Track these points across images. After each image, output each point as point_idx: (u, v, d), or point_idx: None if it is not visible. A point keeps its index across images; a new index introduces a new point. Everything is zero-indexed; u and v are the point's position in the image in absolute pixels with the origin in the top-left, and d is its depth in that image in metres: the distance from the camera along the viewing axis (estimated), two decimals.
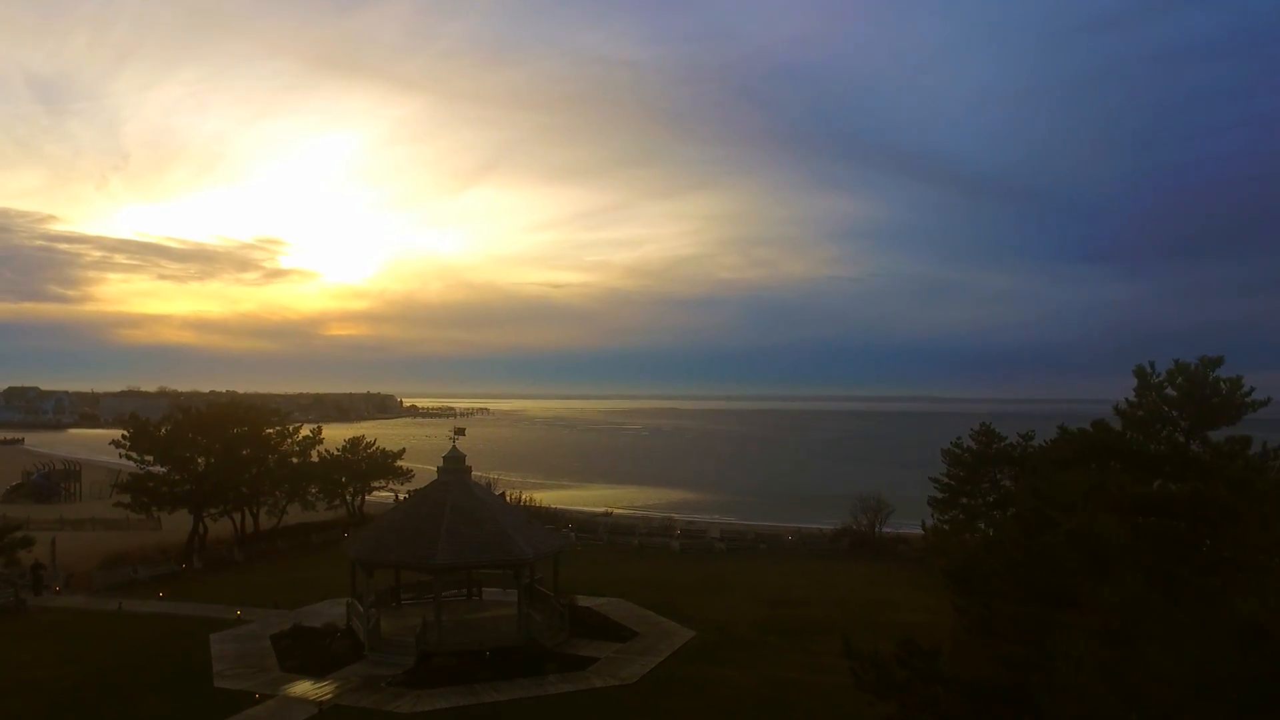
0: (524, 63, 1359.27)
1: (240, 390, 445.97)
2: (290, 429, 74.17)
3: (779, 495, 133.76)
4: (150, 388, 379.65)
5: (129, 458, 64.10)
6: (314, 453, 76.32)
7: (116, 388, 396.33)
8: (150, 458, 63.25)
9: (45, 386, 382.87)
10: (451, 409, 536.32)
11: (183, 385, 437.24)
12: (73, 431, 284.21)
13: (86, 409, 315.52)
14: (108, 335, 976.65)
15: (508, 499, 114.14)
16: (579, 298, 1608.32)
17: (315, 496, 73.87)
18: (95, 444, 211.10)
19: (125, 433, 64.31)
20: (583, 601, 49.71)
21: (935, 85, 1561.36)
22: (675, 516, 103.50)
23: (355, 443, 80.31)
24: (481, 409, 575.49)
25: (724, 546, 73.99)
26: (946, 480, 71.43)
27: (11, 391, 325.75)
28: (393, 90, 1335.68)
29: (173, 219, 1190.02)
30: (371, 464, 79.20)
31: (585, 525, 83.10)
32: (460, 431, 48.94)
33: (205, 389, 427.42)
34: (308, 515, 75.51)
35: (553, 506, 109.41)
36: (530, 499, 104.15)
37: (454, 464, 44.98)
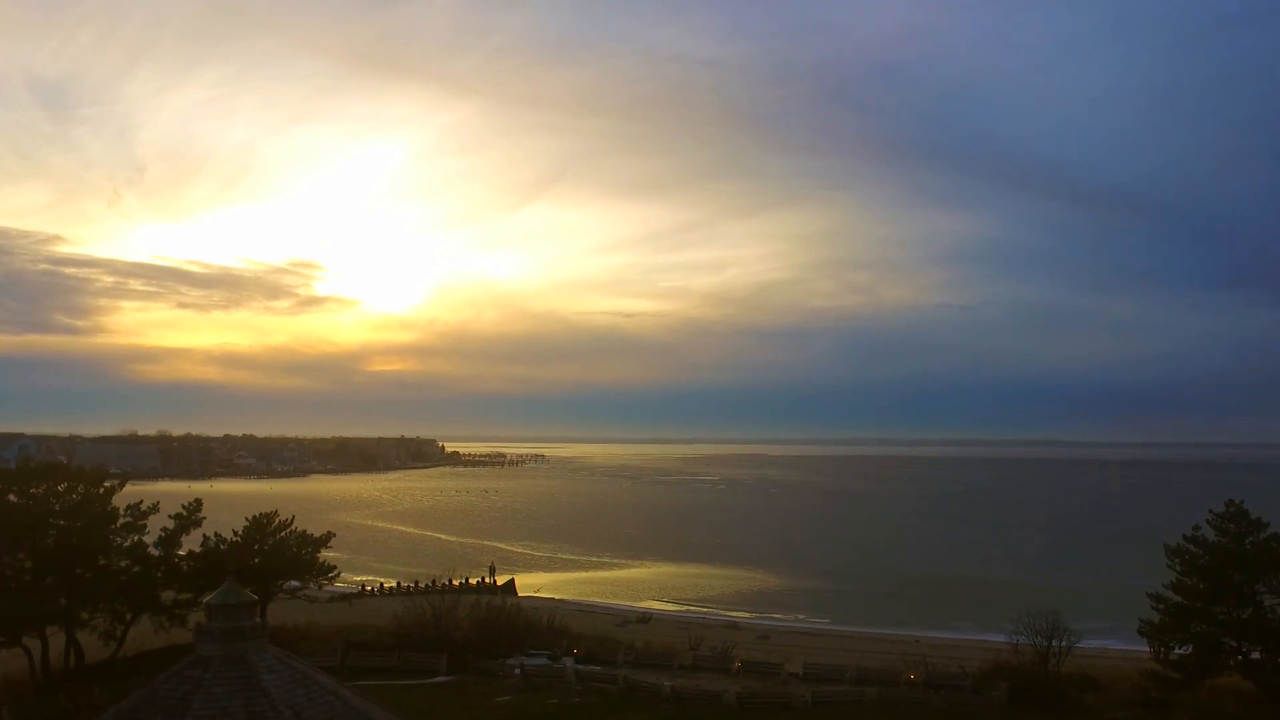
0: (590, 62, 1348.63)
1: (259, 434, 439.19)
2: (138, 508, 54.06)
3: (885, 580, 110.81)
4: (150, 430, 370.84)
5: None
6: (184, 538, 56.25)
7: (132, 431, 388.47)
8: None
9: (50, 432, 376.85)
10: (501, 455, 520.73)
11: (205, 428, 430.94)
12: None
13: (62, 456, 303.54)
14: (122, 371, 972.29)
15: (517, 589, 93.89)
16: (653, 328, 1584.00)
17: (179, 608, 53.53)
18: None
19: None
20: None
21: (1056, 86, 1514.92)
22: (741, 620, 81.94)
23: (260, 523, 59.94)
24: (536, 455, 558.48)
25: (808, 695, 51.59)
26: (1175, 598, 48.28)
27: None
28: (441, 93, 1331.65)
29: (194, 240, 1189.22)
30: (279, 556, 58.65)
31: (600, 649, 61.50)
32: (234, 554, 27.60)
33: (219, 432, 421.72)
34: (176, 635, 55.16)
35: (570, 600, 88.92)
36: (539, 589, 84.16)
37: (227, 618, 23.94)
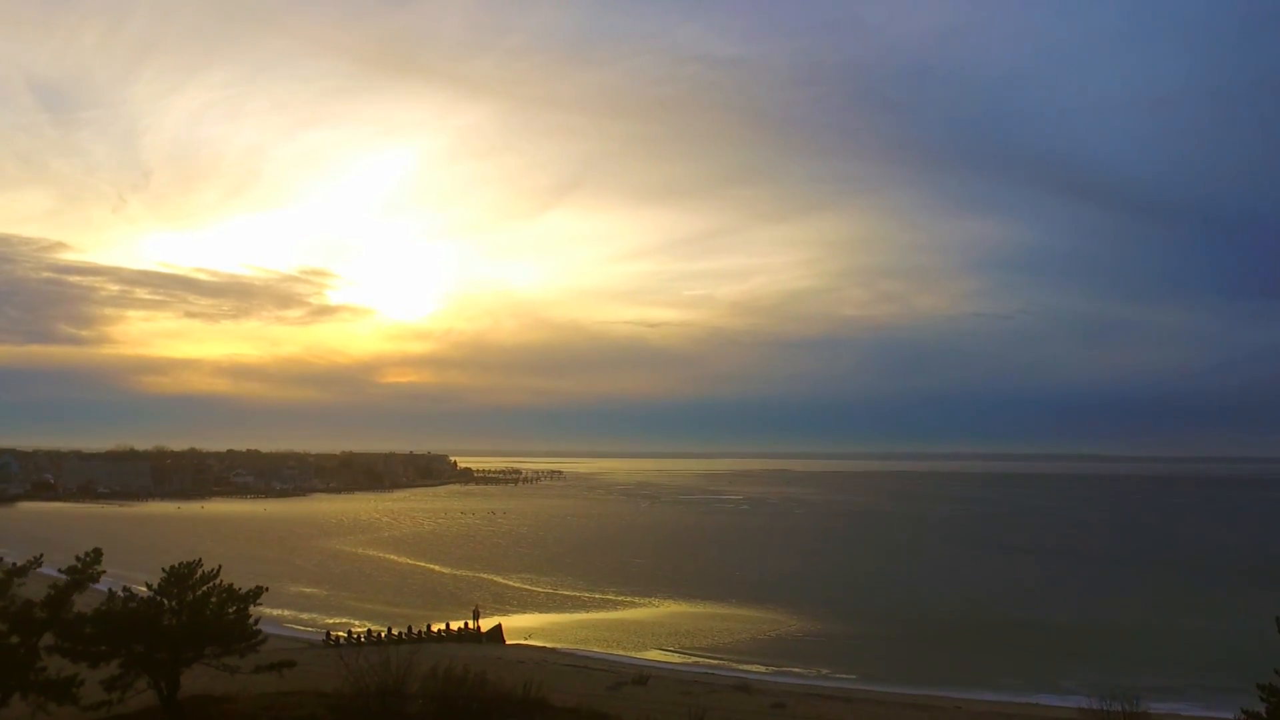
0: (611, 62, 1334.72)
1: (266, 448, 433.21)
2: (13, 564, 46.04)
3: (919, 621, 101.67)
4: (148, 444, 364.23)
5: None
6: (78, 597, 48.06)
7: (128, 445, 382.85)
8: None
9: (52, 446, 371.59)
10: (516, 471, 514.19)
11: (212, 442, 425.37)
12: (23, 505, 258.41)
13: (48, 474, 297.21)
14: (127, 383, 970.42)
15: (504, 634, 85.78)
16: (677, 339, 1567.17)
17: (61, 685, 45.44)
18: (12, 529, 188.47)
19: None
20: None
21: (1098, 88, 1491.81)
22: (754, 678, 73.02)
23: (180, 574, 51.69)
24: (553, 471, 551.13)
25: None
26: None
27: None
28: (457, 95, 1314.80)
29: (202, 247, 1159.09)
30: (197, 618, 50.43)
31: None
32: None
33: (225, 447, 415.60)
34: (64, 714, 47.24)
35: (563, 650, 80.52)
36: (530, 634, 75.70)
37: None
